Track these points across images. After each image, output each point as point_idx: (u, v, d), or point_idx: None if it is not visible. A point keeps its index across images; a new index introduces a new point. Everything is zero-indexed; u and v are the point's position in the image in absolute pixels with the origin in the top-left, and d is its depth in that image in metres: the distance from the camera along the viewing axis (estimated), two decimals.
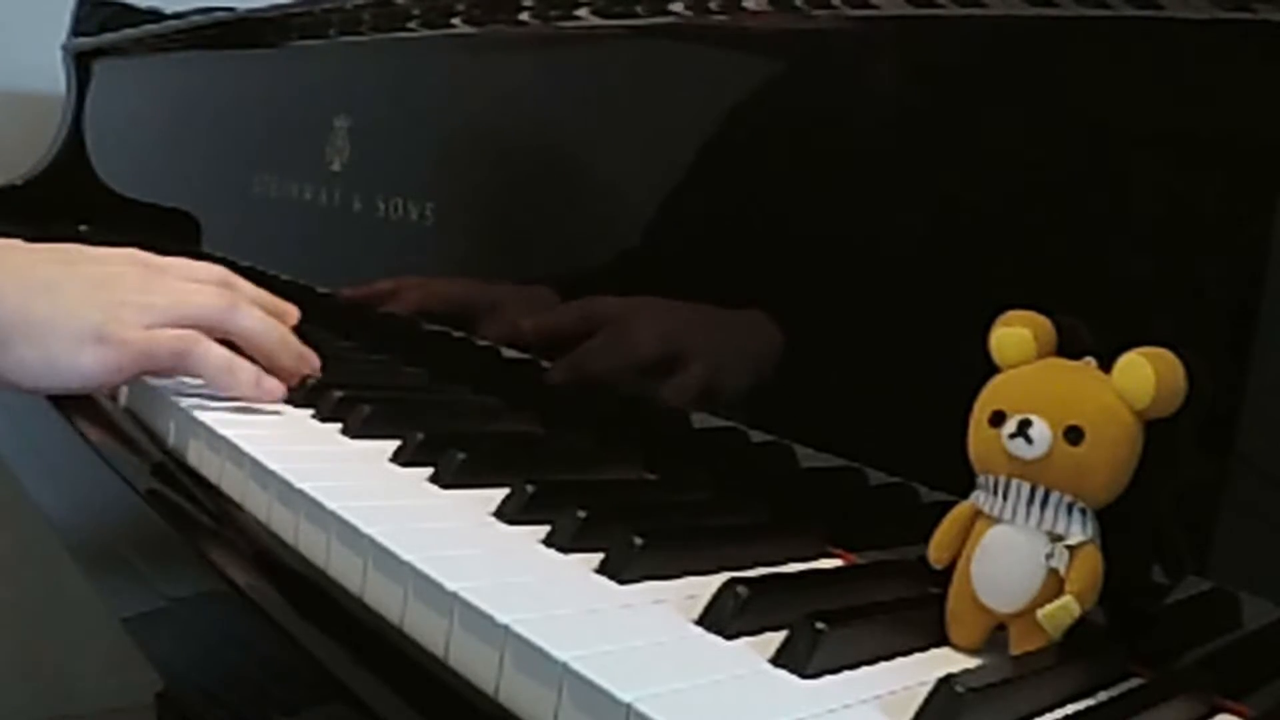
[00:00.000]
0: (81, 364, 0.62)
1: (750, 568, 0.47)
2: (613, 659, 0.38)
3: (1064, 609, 0.40)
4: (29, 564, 1.51)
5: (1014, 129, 0.52)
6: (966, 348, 0.45)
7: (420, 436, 0.60)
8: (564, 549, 0.49)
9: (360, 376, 0.80)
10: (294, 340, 0.71)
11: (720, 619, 0.42)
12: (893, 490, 0.52)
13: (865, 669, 0.41)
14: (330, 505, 0.50)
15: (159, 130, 1.36)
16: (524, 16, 0.77)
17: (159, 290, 0.67)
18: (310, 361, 0.71)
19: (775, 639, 0.40)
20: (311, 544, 0.51)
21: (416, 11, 0.87)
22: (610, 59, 0.74)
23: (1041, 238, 0.50)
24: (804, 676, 0.39)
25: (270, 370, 0.68)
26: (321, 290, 0.95)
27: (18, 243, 0.68)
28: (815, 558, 0.53)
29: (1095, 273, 0.48)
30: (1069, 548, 0.41)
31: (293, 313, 0.73)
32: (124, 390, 0.73)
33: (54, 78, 1.53)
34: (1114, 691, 0.41)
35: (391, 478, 0.58)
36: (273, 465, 0.55)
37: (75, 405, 0.76)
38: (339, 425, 0.65)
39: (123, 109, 1.45)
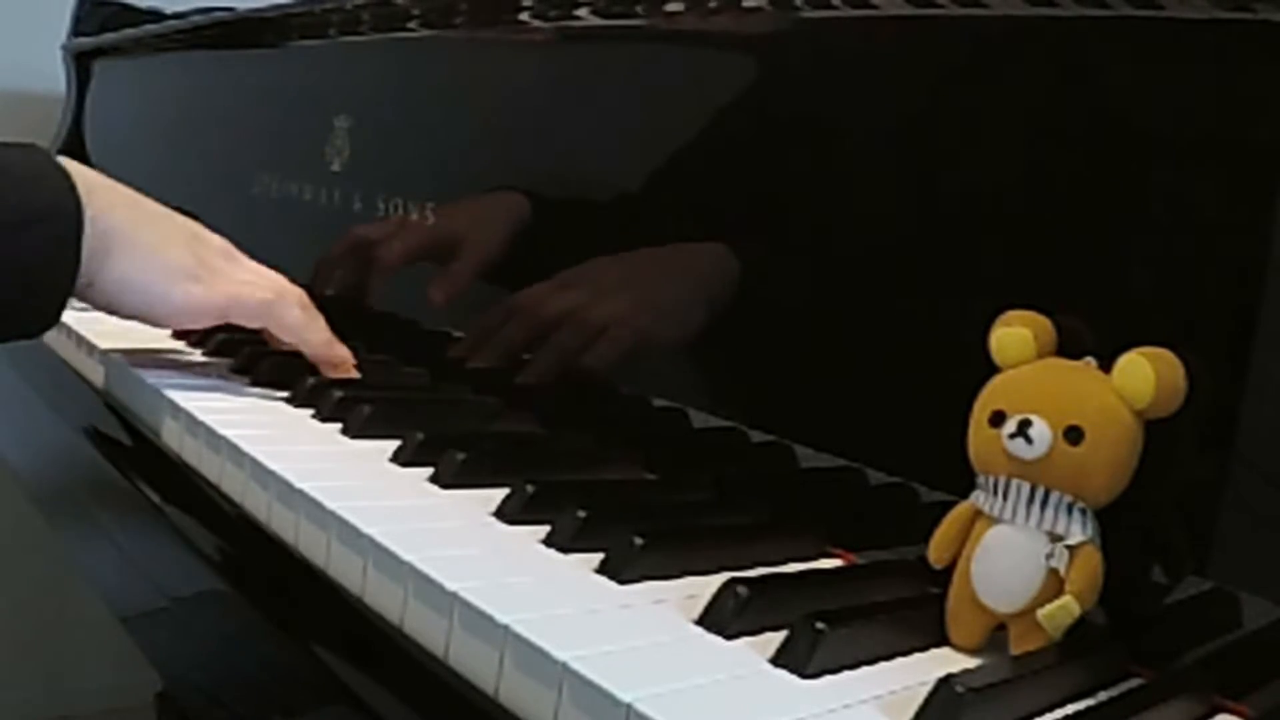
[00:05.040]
0: (173, 296, 0.67)
1: (750, 568, 0.47)
2: (613, 659, 0.38)
3: (1064, 609, 0.40)
4: (29, 565, 1.51)
5: (1014, 129, 0.52)
6: (966, 348, 0.45)
7: (420, 436, 0.60)
8: (564, 549, 0.49)
9: (360, 376, 0.80)
10: (340, 350, 0.75)
11: (720, 619, 0.42)
12: (893, 490, 0.52)
13: (865, 669, 0.41)
14: (330, 505, 0.50)
15: (159, 130, 1.36)
16: (524, 16, 0.77)
17: (241, 262, 0.74)
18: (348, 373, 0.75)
19: (775, 639, 0.40)
20: (311, 544, 0.51)
21: (416, 11, 0.87)
22: (610, 59, 0.74)
23: (1041, 238, 0.50)
24: (804, 676, 0.39)
25: None
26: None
27: None
28: (815, 558, 0.53)
29: (1095, 273, 0.48)
30: (1069, 548, 0.41)
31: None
32: (120, 388, 0.73)
33: (54, 78, 1.53)
34: (1114, 691, 0.41)
35: (391, 478, 0.57)
36: (273, 465, 0.55)
37: (73, 398, 0.76)
38: (339, 425, 0.65)
39: (123, 109, 1.45)
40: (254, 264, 0.75)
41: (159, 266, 0.67)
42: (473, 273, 0.79)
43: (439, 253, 0.82)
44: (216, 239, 0.74)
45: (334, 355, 0.73)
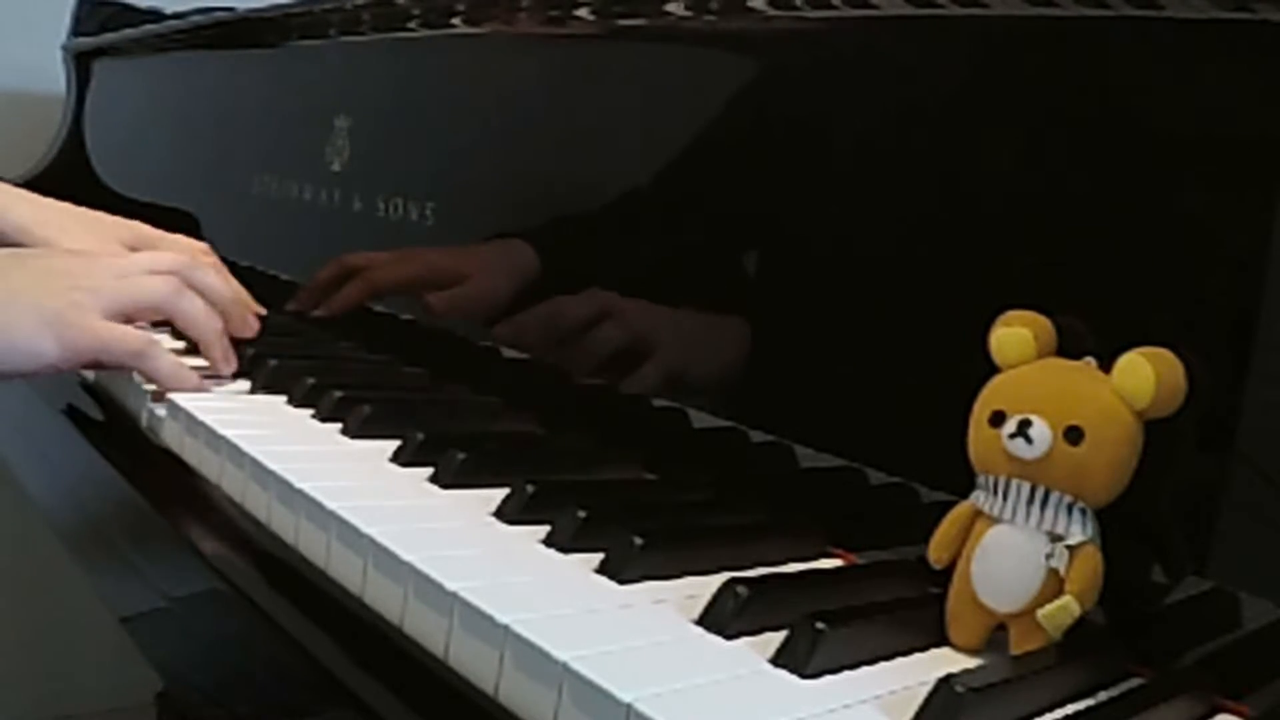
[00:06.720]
0: (42, 347, 0.65)
1: (750, 568, 0.47)
2: (613, 659, 0.38)
3: (1064, 609, 0.40)
4: (29, 564, 1.51)
5: (1014, 129, 0.52)
6: (966, 348, 0.45)
7: (420, 436, 0.60)
8: (564, 549, 0.49)
9: (360, 376, 0.80)
10: (237, 317, 0.76)
11: (720, 619, 0.42)
12: (893, 490, 0.52)
13: (865, 669, 0.41)
14: (330, 505, 0.50)
15: (159, 130, 1.36)
16: (524, 17, 0.77)
17: (102, 276, 0.70)
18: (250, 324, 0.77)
19: (775, 639, 0.40)
20: (311, 544, 0.51)
21: (416, 11, 0.87)
22: (610, 59, 0.74)
23: (1042, 238, 0.50)
24: (804, 676, 0.39)
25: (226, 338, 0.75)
26: None
27: None
28: (815, 558, 0.53)
29: (1095, 273, 0.48)
30: (1069, 548, 0.41)
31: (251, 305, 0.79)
32: (118, 387, 0.73)
33: (54, 78, 1.53)
34: (1114, 691, 0.41)
35: (391, 478, 0.57)
36: (273, 465, 0.55)
37: (72, 397, 0.76)
38: (339, 425, 0.65)
39: (123, 109, 1.45)
40: (119, 271, 0.71)
41: (21, 324, 0.64)
42: (472, 303, 0.80)
43: (440, 283, 0.82)
44: (74, 264, 0.71)
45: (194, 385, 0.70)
